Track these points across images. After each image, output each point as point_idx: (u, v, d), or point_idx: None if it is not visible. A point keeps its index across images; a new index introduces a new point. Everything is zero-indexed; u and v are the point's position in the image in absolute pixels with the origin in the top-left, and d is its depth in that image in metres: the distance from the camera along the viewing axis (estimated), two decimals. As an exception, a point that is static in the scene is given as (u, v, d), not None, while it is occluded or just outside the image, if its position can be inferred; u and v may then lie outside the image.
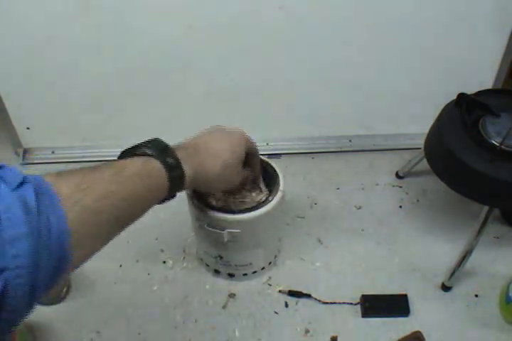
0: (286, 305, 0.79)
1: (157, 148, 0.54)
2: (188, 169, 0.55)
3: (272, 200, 0.70)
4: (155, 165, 0.52)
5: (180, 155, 0.54)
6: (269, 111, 0.98)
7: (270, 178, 0.74)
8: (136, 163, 0.51)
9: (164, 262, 0.85)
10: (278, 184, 0.72)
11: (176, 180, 0.54)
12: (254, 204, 0.71)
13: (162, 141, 0.56)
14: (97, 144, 1.00)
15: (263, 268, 0.81)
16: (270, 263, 0.82)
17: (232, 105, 0.96)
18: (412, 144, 1.00)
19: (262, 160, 0.75)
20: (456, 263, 0.78)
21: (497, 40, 0.89)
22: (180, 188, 0.55)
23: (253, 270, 0.80)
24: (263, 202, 0.70)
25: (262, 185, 0.76)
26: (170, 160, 0.53)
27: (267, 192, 0.75)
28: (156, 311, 0.79)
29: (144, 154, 0.53)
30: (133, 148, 0.55)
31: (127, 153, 0.54)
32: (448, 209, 0.92)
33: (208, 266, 0.81)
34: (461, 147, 0.70)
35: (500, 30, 0.88)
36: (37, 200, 0.39)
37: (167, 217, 0.90)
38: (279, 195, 0.70)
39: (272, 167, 0.74)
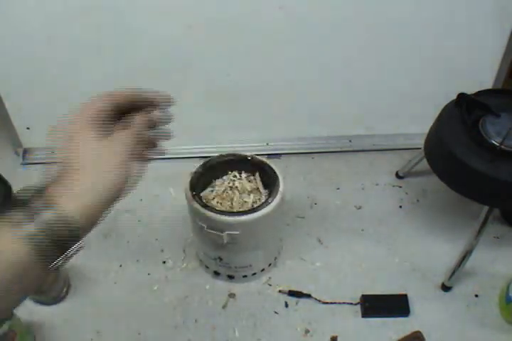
0: (286, 305, 0.79)
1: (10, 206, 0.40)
2: (73, 207, 0.42)
3: (271, 202, 0.69)
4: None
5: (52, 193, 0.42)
6: (269, 111, 0.98)
7: (269, 179, 0.74)
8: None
9: (164, 262, 0.85)
10: (277, 185, 0.71)
11: (66, 231, 0.41)
12: (254, 206, 0.71)
13: (20, 195, 0.42)
14: (97, 144, 1.00)
15: (263, 270, 0.81)
16: (270, 264, 0.82)
17: (232, 105, 0.96)
18: (412, 144, 1.00)
19: (262, 162, 0.75)
20: (456, 263, 0.78)
21: (497, 40, 0.89)
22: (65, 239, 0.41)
23: (253, 272, 0.80)
24: (262, 203, 0.70)
25: (261, 187, 0.76)
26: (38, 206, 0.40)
27: (267, 193, 0.75)
28: (156, 311, 0.79)
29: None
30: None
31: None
32: (448, 209, 0.92)
33: (207, 267, 0.81)
34: (461, 147, 0.70)
35: (500, 30, 0.88)
36: None
37: (167, 217, 0.90)
38: (278, 196, 0.70)
39: (271, 168, 0.74)
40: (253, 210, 0.68)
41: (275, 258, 0.83)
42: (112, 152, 0.47)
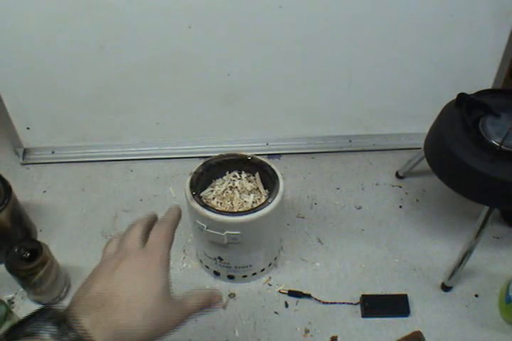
0: (286, 305, 0.79)
1: (51, 323, 0.41)
2: (100, 334, 0.41)
3: (271, 202, 0.69)
4: None
5: (85, 321, 0.42)
6: (269, 111, 0.98)
7: (269, 179, 0.74)
8: None
9: (164, 262, 0.85)
10: (277, 185, 0.72)
11: None
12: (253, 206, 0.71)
13: (57, 311, 0.42)
14: (97, 144, 1.00)
15: (263, 270, 0.81)
16: (270, 264, 0.82)
17: (232, 105, 0.96)
18: (412, 144, 1.00)
19: (262, 162, 0.75)
20: (456, 263, 0.78)
21: (497, 40, 0.89)
22: None
23: (253, 272, 0.80)
24: (262, 203, 0.70)
25: (261, 187, 0.76)
26: (69, 337, 0.40)
27: (267, 193, 0.75)
28: (156, 311, 0.78)
29: (35, 335, 0.40)
30: (22, 324, 0.42)
31: (15, 333, 0.41)
32: (448, 209, 0.92)
33: (207, 267, 0.81)
34: (461, 147, 0.70)
35: (500, 30, 0.88)
36: None
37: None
38: (278, 196, 0.70)
39: (271, 168, 0.74)
40: (253, 210, 0.68)
41: (275, 258, 0.83)
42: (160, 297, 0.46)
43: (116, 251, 0.50)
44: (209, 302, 0.51)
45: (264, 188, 0.76)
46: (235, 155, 0.76)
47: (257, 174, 0.77)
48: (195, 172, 0.73)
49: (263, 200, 0.73)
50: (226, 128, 1.00)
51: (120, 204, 0.93)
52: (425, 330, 0.75)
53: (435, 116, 0.78)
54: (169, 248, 0.51)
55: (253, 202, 0.74)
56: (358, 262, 0.85)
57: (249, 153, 0.76)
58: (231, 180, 0.77)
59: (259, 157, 0.76)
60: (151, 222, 0.54)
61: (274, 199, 0.70)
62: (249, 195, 0.75)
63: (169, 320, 0.47)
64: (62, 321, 0.41)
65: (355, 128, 1.02)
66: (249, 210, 0.69)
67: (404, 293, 0.80)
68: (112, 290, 0.45)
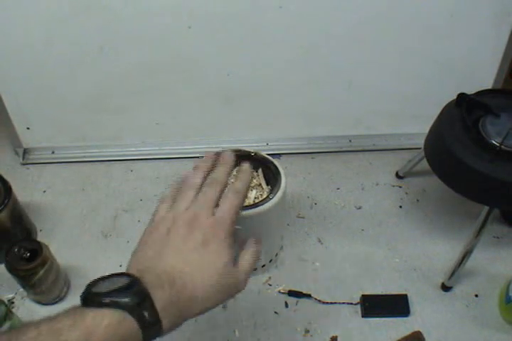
0: (286, 305, 0.79)
1: (135, 299, 0.42)
2: (166, 322, 0.44)
3: (272, 198, 0.70)
4: (131, 326, 0.41)
5: (158, 304, 0.43)
6: (269, 111, 0.98)
7: (272, 176, 0.74)
8: (107, 323, 0.41)
9: (164, 262, 0.85)
10: (279, 181, 0.72)
11: (149, 338, 0.43)
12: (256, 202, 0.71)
13: (141, 287, 0.43)
14: (97, 144, 1.00)
15: (263, 266, 0.81)
16: (271, 260, 0.82)
17: (232, 105, 0.96)
18: (412, 144, 1.00)
19: (265, 158, 0.75)
20: (456, 263, 0.78)
21: (497, 40, 0.89)
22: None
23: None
24: (264, 199, 0.70)
25: (264, 183, 0.77)
26: (147, 316, 0.42)
27: (269, 189, 0.75)
28: (156, 311, 0.78)
29: (116, 304, 0.42)
30: (101, 292, 0.44)
31: (93, 296, 0.45)
32: (448, 209, 0.92)
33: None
34: (461, 147, 0.70)
35: (501, 30, 0.88)
36: None
37: (167, 217, 0.90)
38: (279, 192, 0.70)
39: (274, 165, 0.74)
40: (254, 205, 0.69)
41: (276, 255, 0.83)
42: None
43: (186, 209, 0.50)
44: (257, 256, 0.53)
45: (267, 184, 0.76)
46: (239, 151, 0.76)
47: (260, 170, 0.77)
48: (198, 167, 0.73)
49: (265, 196, 0.73)
50: (226, 128, 1.00)
51: (120, 204, 0.93)
52: (425, 330, 0.75)
53: (435, 116, 0.78)
54: (236, 218, 0.50)
55: (255, 198, 0.74)
56: (358, 262, 0.85)
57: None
58: (234, 175, 0.77)
59: (262, 153, 0.76)
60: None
61: (275, 195, 0.70)
62: (251, 190, 0.75)
63: (229, 291, 0.49)
64: (147, 297, 0.43)
65: (355, 128, 1.02)
66: (250, 205, 0.69)
67: (404, 293, 0.80)
68: (181, 268, 0.47)
